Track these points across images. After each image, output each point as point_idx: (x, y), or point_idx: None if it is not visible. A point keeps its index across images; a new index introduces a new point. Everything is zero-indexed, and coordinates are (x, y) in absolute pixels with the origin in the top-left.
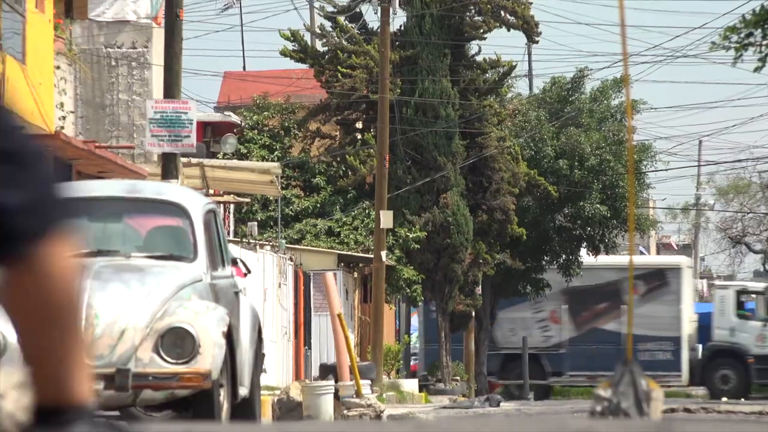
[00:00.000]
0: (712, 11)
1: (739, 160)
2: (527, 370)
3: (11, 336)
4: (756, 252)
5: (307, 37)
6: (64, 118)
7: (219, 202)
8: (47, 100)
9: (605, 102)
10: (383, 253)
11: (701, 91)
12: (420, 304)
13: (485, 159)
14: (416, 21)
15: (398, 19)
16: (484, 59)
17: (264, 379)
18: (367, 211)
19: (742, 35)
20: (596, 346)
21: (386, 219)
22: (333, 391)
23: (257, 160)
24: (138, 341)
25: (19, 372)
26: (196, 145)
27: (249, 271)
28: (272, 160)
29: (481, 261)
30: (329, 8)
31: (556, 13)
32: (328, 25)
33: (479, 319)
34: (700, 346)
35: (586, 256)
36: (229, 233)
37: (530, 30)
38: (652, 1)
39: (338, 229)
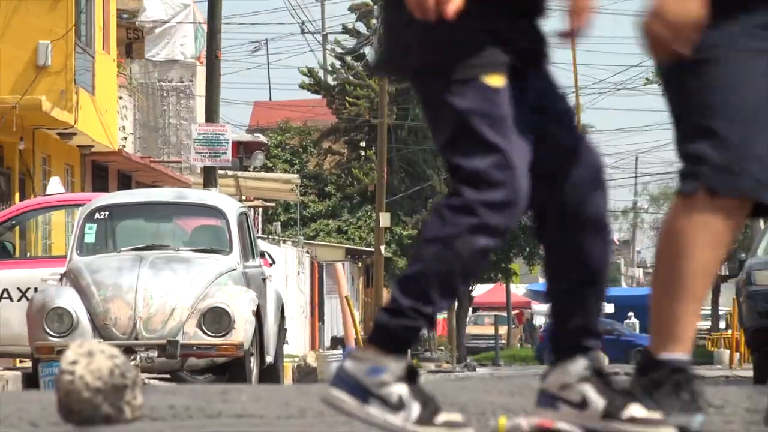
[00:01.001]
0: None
1: (669, 173)
2: (498, 341)
3: (82, 313)
4: None
5: (321, 73)
6: (125, 138)
7: (249, 206)
8: (112, 124)
9: None
10: (382, 248)
11: (638, 116)
12: None
13: None
14: None
15: None
16: None
17: (286, 349)
18: (369, 213)
19: None
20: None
21: (384, 219)
22: (342, 353)
23: (281, 172)
24: (185, 318)
25: (89, 342)
26: (231, 161)
27: (274, 262)
28: (292, 173)
29: None
30: (338, 50)
31: None
32: (337, 63)
33: (459, 300)
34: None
35: None
36: (257, 231)
37: None
38: (598, 44)
39: (346, 228)
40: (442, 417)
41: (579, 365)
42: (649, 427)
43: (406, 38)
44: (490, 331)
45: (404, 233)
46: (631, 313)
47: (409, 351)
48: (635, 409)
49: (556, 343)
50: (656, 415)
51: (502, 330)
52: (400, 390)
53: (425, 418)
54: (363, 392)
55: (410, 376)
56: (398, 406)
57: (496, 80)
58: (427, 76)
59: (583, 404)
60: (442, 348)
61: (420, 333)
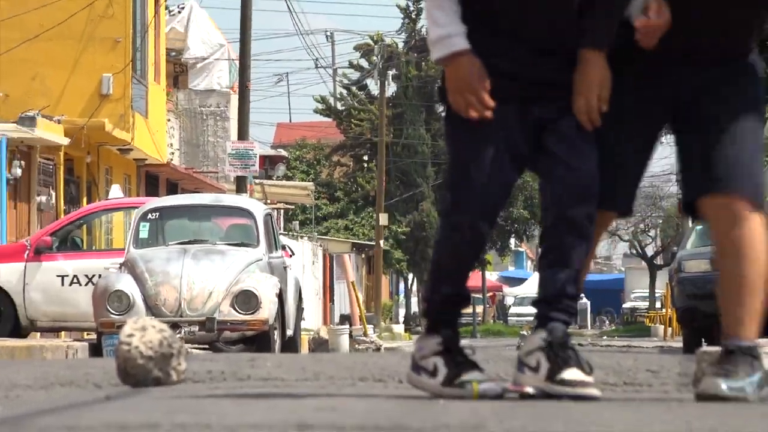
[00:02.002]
0: None
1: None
2: (475, 318)
3: (137, 295)
4: (624, 241)
5: (331, 100)
6: (172, 153)
7: (273, 208)
8: (161, 142)
9: None
10: (381, 242)
11: None
12: (406, 275)
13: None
14: (403, 90)
15: (390, 88)
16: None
17: (303, 325)
18: (370, 214)
19: None
20: None
21: (383, 219)
22: (348, 332)
23: (298, 181)
24: (220, 299)
25: (142, 319)
26: (258, 171)
27: (293, 253)
28: (308, 181)
29: None
30: (345, 81)
31: None
32: (345, 92)
33: None
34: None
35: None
36: (279, 228)
37: None
38: None
39: (352, 226)
40: (460, 378)
41: (538, 335)
42: (577, 387)
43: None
44: (469, 309)
45: (399, 230)
46: (582, 295)
47: (446, 328)
48: (569, 373)
49: (535, 317)
50: (588, 378)
51: (479, 309)
52: (435, 360)
53: (447, 381)
54: (416, 366)
55: (448, 348)
56: (434, 372)
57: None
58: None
59: (537, 368)
60: None
61: (444, 313)
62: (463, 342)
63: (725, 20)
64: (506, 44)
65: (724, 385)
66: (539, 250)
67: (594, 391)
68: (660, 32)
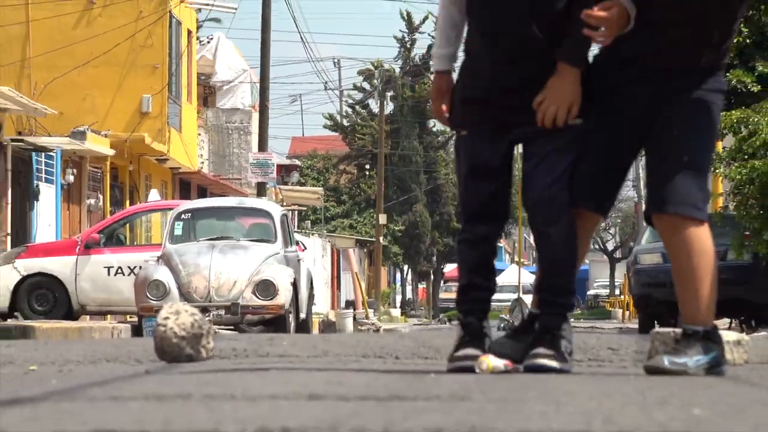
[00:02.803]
0: None
1: None
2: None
3: (172, 284)
4: None
5: (338, 117)
6: (202, 162)
7: (288, 210)
8: (192, 153)
9: None
10: (381, 239)
11: None
12: (402, 266)
13: (437, 185)
14: (399, 108)
15: (388, 107)
16: (437, 130)
17: (314, 309)
18: (371, 214)
19: None
20: None
21: (382, 219)
22: (352, 315)
23: (310, 186)
24: (243, 287)
25: (176, 304)
26: (275, 178)
27: (305, 248)
28: (318, 186)
29: (436, 242)
30: (350, 101)
31: None
32: (349, 110)
33: (435, 273)
34: None
35: None
36: (294, 227)
37: None
38: None
39: (355, 225)
40: (457, 353)
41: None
42: (538, 359)
43: None
44: (455, 294)
45: (396, 228)
46: None
47: (461, 312)
48: (538, 349)
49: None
50: (549, 352)
51: None
52: (458, 339)
53: (450, 354)
54: None
55: (462, 327)
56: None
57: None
58: None
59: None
60: (423, 308)
61: (461, 299)
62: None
63: (674, 38)
64: (483, 70)
65: (666, 361)
66: (516, 245)
67: (553, 364)
68: (612, 28)
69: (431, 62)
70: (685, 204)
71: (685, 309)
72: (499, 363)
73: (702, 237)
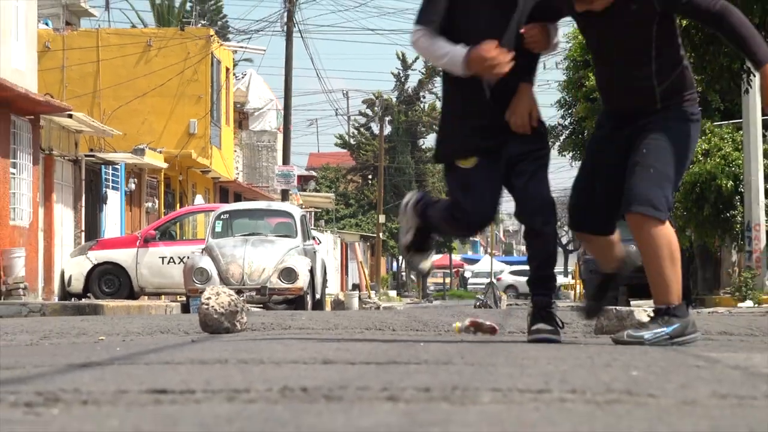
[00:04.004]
0: None
1: None
2: (444, 286)
3: (213, 271)
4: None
5: (346, 137)
6: (238, 173)
7: (306, 211)
8: (230, 166)
9: None
10: (380, 234)
11: None
12: (398, 257)
13: (427, 192)
14: (395, 130)
15: (387, 129)
16: (425, 147)
17: (327, 291)
18: (373, 215)
19: None
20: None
21: (382, 219)
22: (358, 296)
23: (324, 192)
24: (270, 274)
25: (217, 287)
26: (296, 186)
27: (320, 242)
28: (331, 193)
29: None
30: (356, 125)
31: None
32: (355, 132)
33: None
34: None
35: None
36: (311, 225)
37: None
38: None
39: (360, 224)
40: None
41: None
42: (541, 334)
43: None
44: (440, 280)
45: (392, 226)
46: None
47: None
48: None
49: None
50: (548, 327)
51: (447, 280)
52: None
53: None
54: None
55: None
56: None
57: (466, 162)
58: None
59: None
60: (414, 289)
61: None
62: (437, 302)
63: (630, 96)
64: (482, 101)
65: (626, 334)
66: (489, 239)
67: (552, 336)
68: (539, 42)
69: (447, 69)
70: (647, 205)
71: (654, 292)
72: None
73: (663, 233)
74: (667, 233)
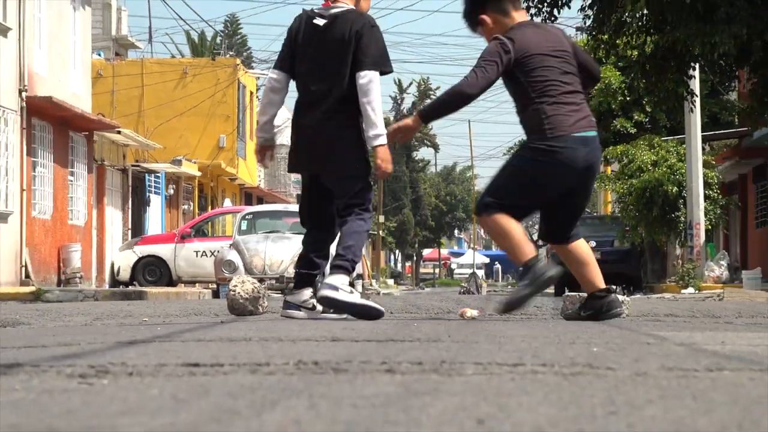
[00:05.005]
0: None
1: None
2: (434, 276)
3: (239, 263)
4: None
5: None
6: (260, 181)
7: None
8: (253, 174)
9: None
10: (380, 232)
11: None
12: (395, 251)
13: (419, 196)
14: (393, 143)
15: None
16: (419, 159)
17: None
18: (374, 216)
19: None
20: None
21: (381, 219)
22: (362, 284)
23: None
24: (287, 265)
25: (242, 276)
26: None
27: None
28: None
29: (417, 234)
30: None
31: (450, 135)
32: None
33: (417, 255)
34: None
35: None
36: None
37: (434, 146)
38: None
39: None
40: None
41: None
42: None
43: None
44: (431, 270)
45: (390, 225)
46: (496, 262)
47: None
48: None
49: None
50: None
51: (437, 270)
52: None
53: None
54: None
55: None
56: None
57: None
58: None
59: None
60: (408, 278)
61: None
62: (428, 289)
63: None
64: None
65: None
66: (471, 236)
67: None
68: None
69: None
70: (577, 234)
71: (584, 282)
72: (474, 312)
73: (490, 223)
74: (491, 221)
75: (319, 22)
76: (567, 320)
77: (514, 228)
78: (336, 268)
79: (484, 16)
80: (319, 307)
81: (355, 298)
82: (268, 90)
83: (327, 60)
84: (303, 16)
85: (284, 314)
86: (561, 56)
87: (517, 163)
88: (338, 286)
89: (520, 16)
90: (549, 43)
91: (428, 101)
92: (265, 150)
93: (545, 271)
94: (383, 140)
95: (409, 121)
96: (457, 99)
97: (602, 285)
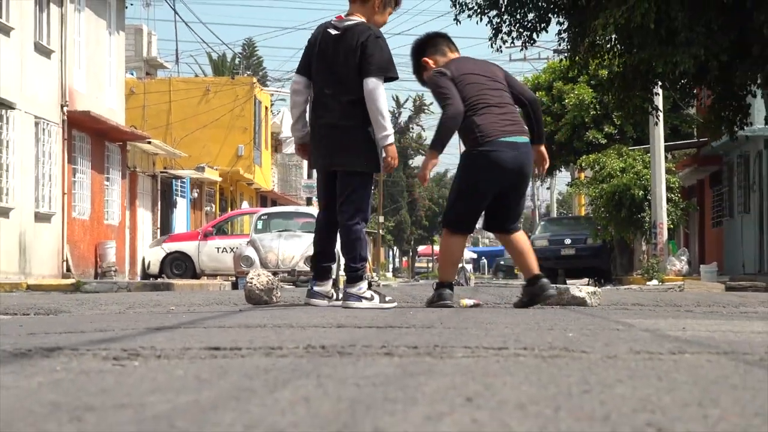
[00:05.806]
0: None
1: None
2: (428, 269)
3: (255, 258)
4: None
5: None
6: (274, 185)
7: None
8: (268, 180)
9: None
10: (380, 230)
11: None
12: (393, 248)
13: (414, 199)
14: None
15: None
16: (414, 166)
17: (340, 272)
18: (374, 217)
19: None
20: None
21: (381, 219)
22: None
23: None
24: (298, 260)
25: (258, 270)
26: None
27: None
28: None
29: (413, 233)
30: None
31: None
32: None
33: (412, 251)
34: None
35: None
36: None
37: None
38: None
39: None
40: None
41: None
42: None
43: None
44: (425, 264)
45: (389, 224)
46: (483, 257)
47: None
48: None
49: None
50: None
51: (430, 264)
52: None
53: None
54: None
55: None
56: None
57: None
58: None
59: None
60: (405, 272)
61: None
62: (424, 281)
63: None
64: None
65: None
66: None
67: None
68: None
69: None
70: (517, 227)
71: (524, 270)
72: (470, 302)
73: (524, 236)
74: (446, 241)
75: (333, 32)
76: (516, 308)
77: (454, 253)
78: (352, 279)
79: (425, 59)
80: (336, 296)
81: (375, 303)
82: (292, 93)
83: (337, 66)
84: (321, 27)
85: (307, 301)
86: (491, 77)
87: (460, 175)
88: (360, 295)
89: (455, 56)
90: (480, 68)
91: (428, 125)
92: (304, 148)
93: (441, 300)
94: (391, 139)
95: (429, 158)
96: (450, 123)
97: (537, 271)
